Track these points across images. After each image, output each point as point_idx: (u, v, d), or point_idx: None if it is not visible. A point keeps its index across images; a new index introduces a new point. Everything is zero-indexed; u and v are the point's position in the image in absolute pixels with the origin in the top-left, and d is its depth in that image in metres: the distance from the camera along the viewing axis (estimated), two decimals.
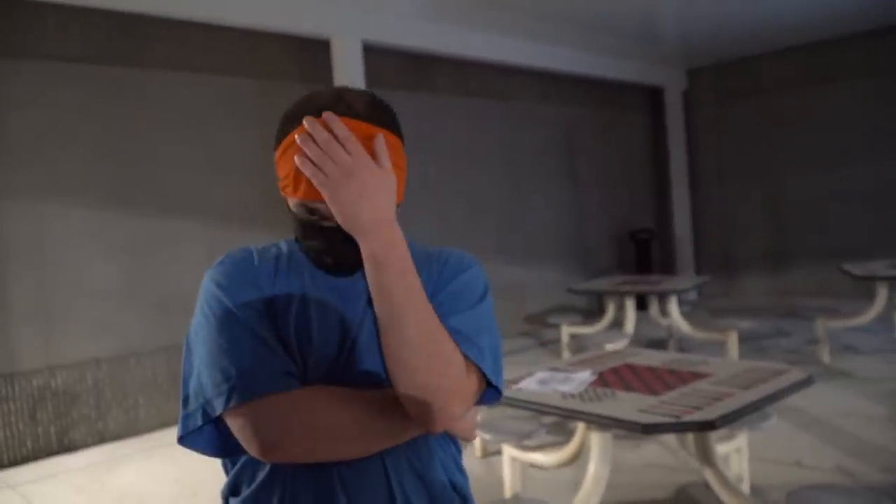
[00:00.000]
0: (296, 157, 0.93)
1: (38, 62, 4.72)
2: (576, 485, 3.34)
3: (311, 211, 0.98)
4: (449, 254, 1.14)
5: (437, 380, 0.93)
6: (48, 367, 4.75)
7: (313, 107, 0.96)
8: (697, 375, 2.76)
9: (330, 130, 0.92)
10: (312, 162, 0.92)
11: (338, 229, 0.97)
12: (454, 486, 1.11)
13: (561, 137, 8.62)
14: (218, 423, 0.98)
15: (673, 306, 6.22)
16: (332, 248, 1.00)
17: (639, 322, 6.50)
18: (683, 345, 6.57)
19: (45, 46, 4.76)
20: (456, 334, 0.99)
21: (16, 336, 4.63)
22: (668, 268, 9.62)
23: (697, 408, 2.35)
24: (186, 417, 0.98)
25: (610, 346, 5.39)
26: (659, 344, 6.61)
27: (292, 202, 1.00)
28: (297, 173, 0.94)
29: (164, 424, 5.18)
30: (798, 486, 2.45)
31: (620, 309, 6.53)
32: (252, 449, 0.94)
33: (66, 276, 4.83)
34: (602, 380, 2.81)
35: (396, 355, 0.93)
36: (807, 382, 2.67)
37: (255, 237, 5.56)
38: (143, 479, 4.20)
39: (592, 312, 8.24)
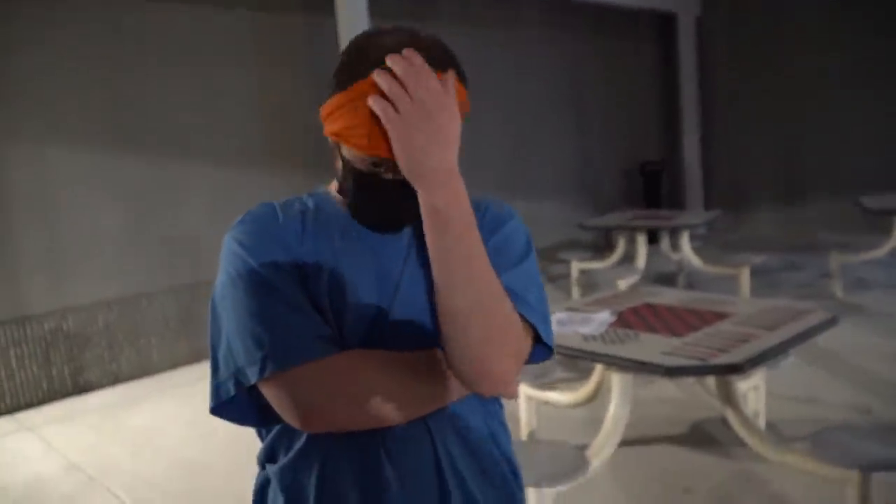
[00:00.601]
0: (370, 97, 0.83)
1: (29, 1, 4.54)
2: (590, 421, 3.35)
3: (377, 163, 0.89)
4: (487, 204, 1.06)
5: (497, 344, 0.87)
6: (59, 310, 4.73)
7: (384, 49, 0.86)
8: (719, 315, 2.72)
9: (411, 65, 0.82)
10: (385, 97, 0.82)
11: (399, 183, 0.88)
12: (497, 445, 1.07)
13: (567, 67, 8.36)
14: (252, 391, 0.93)
15: (685, 241, 6.16)
16: (388, 204, 0.91)
17: (648, 257, 6.45)
18: (693, 279, 6.53)
19: None
20: (508, 292, 0.92)
21: (26, 280, 4.60)
22: (677, 201, 9.51)
23: (723, 350, 2.31)
24: (218, 387, 0.92)
25: (622, 283, 5.37)
26: (669, 278, 6.58)
27: (353, 153, 0.90)
28: (375, 125, 0.84)
29: (176, 365, 5.21)
30: (821, 426, 2.43)
31: (631, 243, 6.46)
32: (291, 419, 0.88)
33: (72, 220, 4.76)
34: (622, 320, 2.77)
35: (454, 320, 0.86)
36: (832, 322, 2.63)
37: (258, 178, 5.47)
38: (158, 419, 4.24)
39: (599, 247, 8.18)
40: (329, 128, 0.91)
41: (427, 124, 0.81)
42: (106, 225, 4.91)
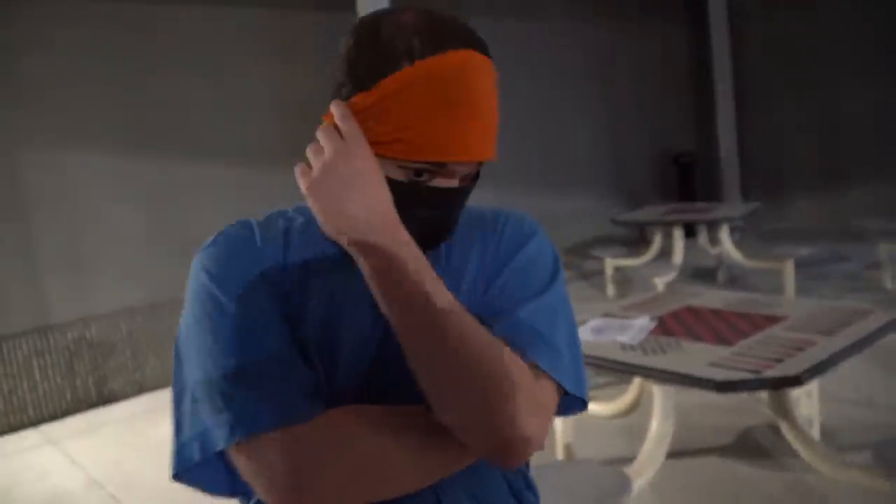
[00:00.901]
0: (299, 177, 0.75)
1: (42, 1, 4.46)
2: (630, 429, 3.16)
3: (419, 172, 0.75)
4: (505, 218, 0.90)
5: (498, 408, 0.68)
6: (82, 318, 4.66)
7: (404, 35, 0.74)
8: (770, 319, 2.50)
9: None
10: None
11: (446, 191, 0.77)
12: None
13: (594, 56, 8.12)
14: (223, 454, 0.76)
15: (724, 235, 5.91)
16: (433, 216, 0.77)
17: (685, 251, 6.20)
18: (734, 273, 6.27)
19: None
20: (528, 333, 0.75)
21: (47, 289, 4.54)
22: (713, 192, 9.18)
23: (778, 360, 2.10)
24: (181, 449, 0.75)
25: (659, 280, 5.14)
26: (707, 274, 6.32)
27: (392, 162, 0.75)
28: (409, 129, 0.73)
29: None
30: (880, 432, 2.21)
31: (667, 238, 6.22)
32: (266, 496, 0.71)
33: (92, 226, 4.69)
34: (663, 326, 2.57)
35: (433, 389, 0.70)
36: (894, 325, 2.40)
37: (279, 178, 5.31)
38: None
39: (633, 242, 7.92)
40: None
41: (343, 167, 0.72)
42: (126, 230, 4.82)
